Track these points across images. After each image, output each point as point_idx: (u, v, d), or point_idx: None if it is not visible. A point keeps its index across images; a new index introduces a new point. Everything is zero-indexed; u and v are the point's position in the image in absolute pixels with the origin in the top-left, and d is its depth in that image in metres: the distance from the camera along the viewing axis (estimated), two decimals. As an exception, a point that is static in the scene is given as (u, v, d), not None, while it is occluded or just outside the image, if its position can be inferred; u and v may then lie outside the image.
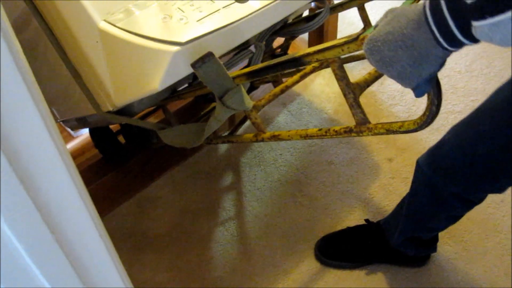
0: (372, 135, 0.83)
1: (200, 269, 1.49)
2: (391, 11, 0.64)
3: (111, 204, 1.68)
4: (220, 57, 0.99)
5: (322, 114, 1.91)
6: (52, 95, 1.28)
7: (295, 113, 1.93)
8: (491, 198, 1.58)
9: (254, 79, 0.97)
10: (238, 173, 1.73)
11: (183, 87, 1.27)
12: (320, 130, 0.93)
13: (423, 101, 1.90)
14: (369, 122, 0.84)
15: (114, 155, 1.69)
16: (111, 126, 1.67)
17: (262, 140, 1.10)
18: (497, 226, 1.51)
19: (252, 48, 1.16)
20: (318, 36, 2.03)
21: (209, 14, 1.00)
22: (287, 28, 1.28)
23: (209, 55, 0.92)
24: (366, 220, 1.48)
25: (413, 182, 1.23)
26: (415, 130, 0.73)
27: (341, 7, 1.30)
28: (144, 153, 1.78)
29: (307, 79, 2.06)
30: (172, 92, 1.23)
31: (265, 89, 1.93)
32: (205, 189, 1.70)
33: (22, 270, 0.52)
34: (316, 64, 1.28)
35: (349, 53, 0.73)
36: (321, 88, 2.01)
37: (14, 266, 0.51)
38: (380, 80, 2.00)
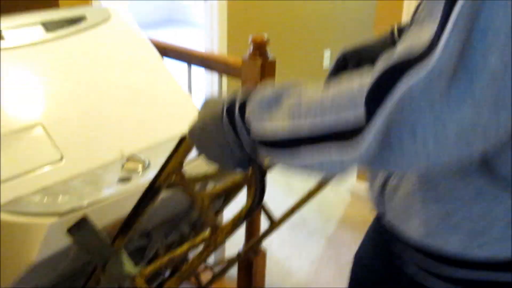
0: (226, 236, 0.91)
1: None
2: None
3: None
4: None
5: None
6: None
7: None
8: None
9: (129, 231, 0.97)
10: None
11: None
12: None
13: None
14: (218, 227, 0.92)
15: None
16: None
17: None
18: None
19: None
20: (246, 276, 1.86)
21: (93, 191, 1.07)
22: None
23: (84, 219, 0.94)
24: None
25: None
26: (252, 209, 0.85)
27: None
28: None
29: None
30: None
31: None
32: None
33: None
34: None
35: (186, 153, 0.80)
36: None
37: None
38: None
